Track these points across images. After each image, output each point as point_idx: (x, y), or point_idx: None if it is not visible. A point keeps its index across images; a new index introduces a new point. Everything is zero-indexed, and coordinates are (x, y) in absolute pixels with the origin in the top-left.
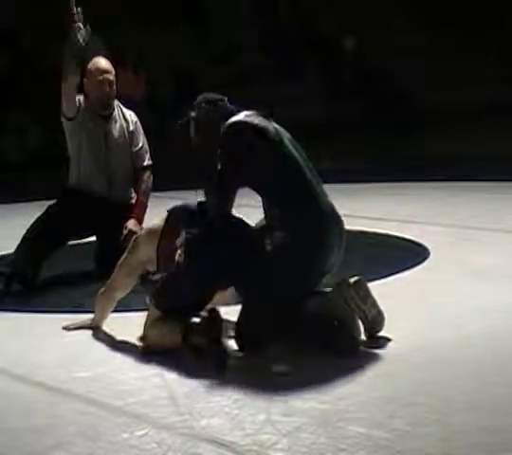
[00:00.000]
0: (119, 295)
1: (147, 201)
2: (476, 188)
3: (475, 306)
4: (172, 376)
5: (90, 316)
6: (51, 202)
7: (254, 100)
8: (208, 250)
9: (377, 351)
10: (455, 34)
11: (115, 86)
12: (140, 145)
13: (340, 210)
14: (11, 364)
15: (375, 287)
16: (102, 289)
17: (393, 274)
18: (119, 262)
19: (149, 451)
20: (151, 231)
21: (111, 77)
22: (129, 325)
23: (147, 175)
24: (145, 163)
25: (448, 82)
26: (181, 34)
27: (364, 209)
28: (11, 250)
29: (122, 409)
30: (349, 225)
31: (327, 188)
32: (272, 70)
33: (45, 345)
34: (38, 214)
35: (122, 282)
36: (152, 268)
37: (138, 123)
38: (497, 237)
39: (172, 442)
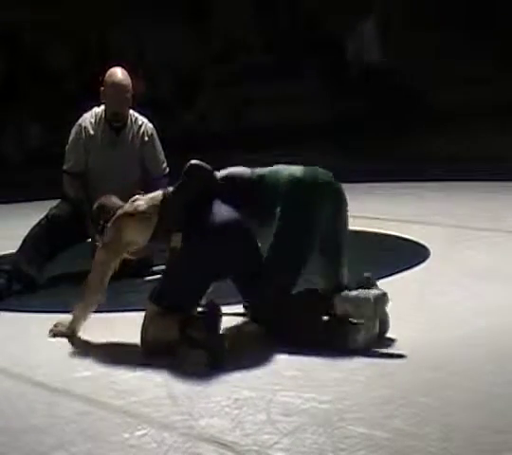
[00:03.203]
0: (105, 281)
1: None
2: (476, 188)
3: (475, 306)
4: (172, 376)
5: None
6: (52, 202)
7: (254, 99)
8: (207, 245)
9: (377, 351)
10: (462, 33)
11: (130, 102)
12: (154, 156)
13: None
14: (11, 364)
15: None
16: (86, 280)
17: (393, 274)
18: (100, 245)
19: (149, 451)
20: (131, 213)
21: (127, 94)
22: (129, 325)
23: (162, 185)
24: (160, 173)
25: (450, 81)
26: (182, 32)
27: (364, 209)
28: (11, 250)
29: (123, 408)
30: (349, 225)
31: None
32: (273, 69)
33: (45, 345)
34: (38, 215)
35: (107, 263)
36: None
37: (154, 134)
38: (497, 237)
39: (172, 442)
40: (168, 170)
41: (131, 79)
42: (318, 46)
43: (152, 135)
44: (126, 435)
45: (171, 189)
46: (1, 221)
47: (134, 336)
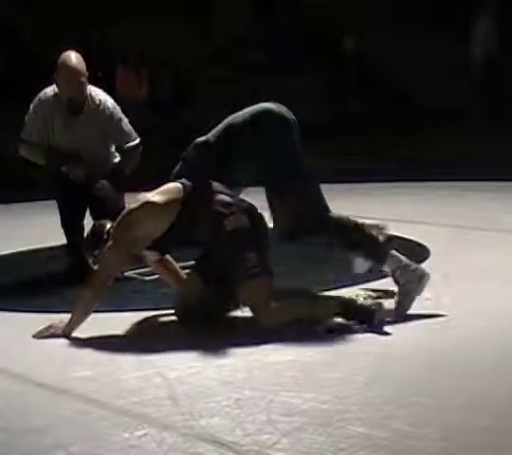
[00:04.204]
0: (110, 281)
1: (125, 169)
2: (476, 188)
3: (475, 306)
4: (172, 376)
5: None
6: (52, 202)
7: (253, 97)
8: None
9: (377, 351)
10: (454, 34)
11: (85, 86)
12: (117, 131)
13: (340, 211)
14: (11, 364)
15: (376, 287)
16: (92, 278)
17: None
18: (111, 240)
19: (149, 451)
20: (150, 205)
21: (81, 78)
22: (128, 325)
23: (130, 156)
24: (129, 144)
25: (447, 82)
26: (181, 30)
27: (364, 209)
28: (12, 250)
29: (123, 408)
30: None
31: (327, 187)
32: (272, 68)
33: (45, 345)
34: (39, 215)
35: (116, 263)
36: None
37: (116, 109)
38: (497, 237)
39: (172, 442)
40: (138, 140)
41: (135, 79)
42: (318, 45)
43: (111, 113)
44: (126, 435)
45: (185, 182)
46: (1, 221)
47: (134, 336)
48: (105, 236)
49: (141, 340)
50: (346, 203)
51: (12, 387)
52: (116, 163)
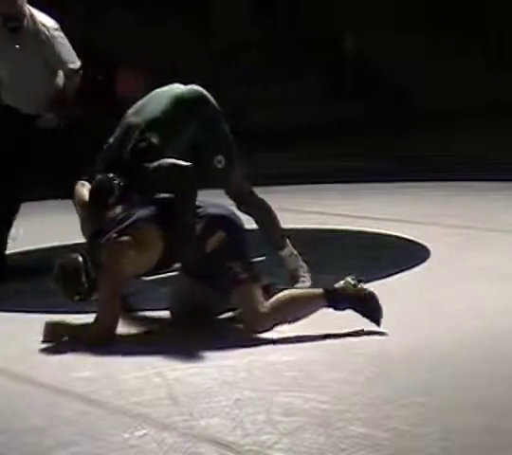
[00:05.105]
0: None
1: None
2: (476, 188)
3: (475, 306)
4: (172, 376)
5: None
6: (52, 202)
7: (253, 99)
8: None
9: (377, 351)
10: (454, 34)
11: (19, 2)
12: (60, 50)
13: (340, 210)
14: (11, 364)
15: (376, 287)
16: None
17: (393, 274)
18: (103, 282)
19: (149, 451)
20: (133, 241)
21: None
22: (129, 325)
23: (71, 79)
24: (69, 67)
25: (447, 82)
26: (180, 32)
27: (364, 209)
28: (11, 250)
29: (123, 409)
30: (349, 225)
31: (327, 187)
32: (272, 69)
33: (45, 345)
34: (39, 215)
35: (115, 307)
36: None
37: (56, 32)
38: (497, 237)
39: (172, 442)
40: (79, 63)
41: (134, 78)
42: (317, 47)
43: (51, 35)
44: (126, 435)
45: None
46: None
47: (134, 336)
48: (82, 275)
49: (141, 340)
50: (346, 203)
51: (12, 387)
52: (58, 88)
